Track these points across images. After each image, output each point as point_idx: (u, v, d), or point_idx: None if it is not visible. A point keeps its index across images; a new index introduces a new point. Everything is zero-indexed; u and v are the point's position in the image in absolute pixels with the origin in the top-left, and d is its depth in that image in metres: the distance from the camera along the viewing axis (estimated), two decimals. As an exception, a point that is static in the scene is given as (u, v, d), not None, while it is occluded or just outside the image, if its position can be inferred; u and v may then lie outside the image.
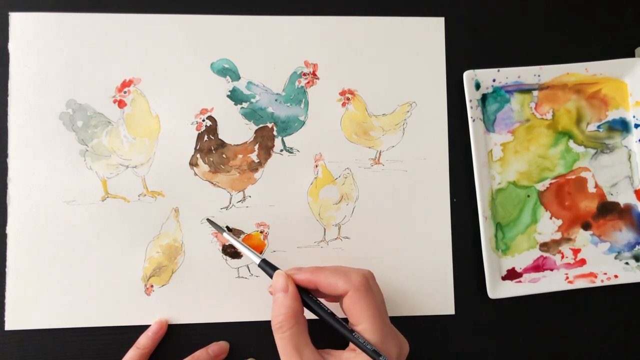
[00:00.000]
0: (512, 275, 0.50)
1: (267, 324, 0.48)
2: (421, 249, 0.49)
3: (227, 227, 0.47)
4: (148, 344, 0.46)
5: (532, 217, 0.51)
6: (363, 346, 0.36)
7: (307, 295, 0.40)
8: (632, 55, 0.52)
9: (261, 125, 0.49)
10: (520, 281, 0.50)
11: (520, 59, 0.51)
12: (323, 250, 0.49)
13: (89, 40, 0.49)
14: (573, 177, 0.51)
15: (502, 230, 0.50)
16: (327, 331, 0.39)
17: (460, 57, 0.51)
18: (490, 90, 0.51)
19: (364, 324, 0.38)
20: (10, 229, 0.47)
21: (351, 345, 0.39)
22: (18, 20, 0.48)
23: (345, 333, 0.38)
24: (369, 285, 0.39)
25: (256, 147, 0.49)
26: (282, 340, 0.38)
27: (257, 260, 0.43)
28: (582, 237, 0.51)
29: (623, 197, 0.52)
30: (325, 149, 0.50)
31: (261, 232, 0.49)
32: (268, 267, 0.42)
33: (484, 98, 0.51)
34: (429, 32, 0.51)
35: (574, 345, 0.50)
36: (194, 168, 0.49)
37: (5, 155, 0.47)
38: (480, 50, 0.52)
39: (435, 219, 0.50)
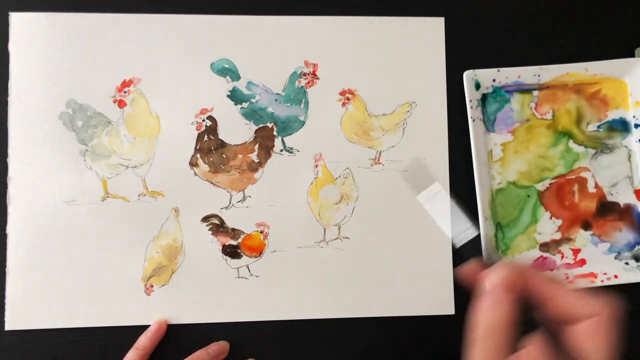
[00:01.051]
0: (512, 275, 0.50)
1: (267, 324, 0.48)
2: (421, 249, 0.49)
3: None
4: (147, 345, 0.46)
5: (532, 217, 0.51)
6: None
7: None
8: (632, 55, 0.52)
9: (261, 125, 0.49)
10: (520, 281, 0.49)
11: (520, 59, 0.51)
12: (323, 250, 0.49)
13: (89, 40, 0.49)
14: (573, 177, 0.51)
15: (502, 230, 0.50)
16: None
17: (460, 57, 0.51)
18: (490, 90, 0.51)
19: (597, 357, 0.29)
20: (10, 229, 0.47)
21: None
22: (18, 20, 0.48)
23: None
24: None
25: (256, 147, 0.49)
26: (484, 353, 0.29)
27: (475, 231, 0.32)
28: (582, 237, 0.51)
29: (623, 197, 0.52)
30: (325, 149, 0.50)
31: (261, 232, 0.49)
32: (492, 253, 0.32)
33: (484, 98, 0.51)
34: (429, 32, 0.51)
35: (574, 345, 0.50)
36: (194, 168, 0.49)
37: (5, 155, 0.47)
38: (480, 50, 0.52)
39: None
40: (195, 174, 0.49)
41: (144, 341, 0.46)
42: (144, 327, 0.47)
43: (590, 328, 0.29)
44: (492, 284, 0.30)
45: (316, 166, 0.50)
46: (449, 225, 0.50)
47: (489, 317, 0.29)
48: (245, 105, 0.49)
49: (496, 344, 0.28)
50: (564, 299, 0.29)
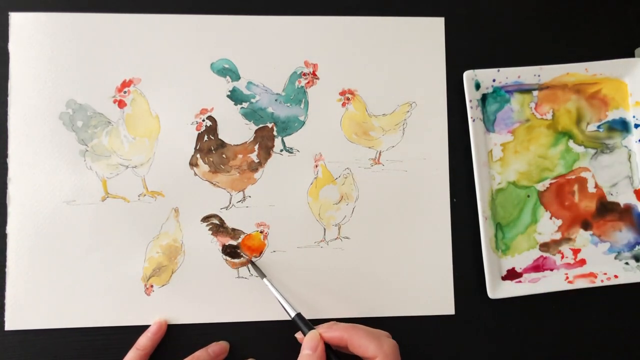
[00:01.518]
0: (512, 275, 0.50)
1: (267, 324, 0.48)
2: (421, 249, 0.49)
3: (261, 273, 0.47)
4: (147, 345, 0.46)
5: (532, 217, 0.51)
6: None
7: (332, 351, 0.41)
8: (632, 55, 0.52)
9: (261, 125, 0.49)
10: (520, 281, 0.49)
11: (520, 59, 0.51)
12: (323, 250, 0.49)
13: (88, 40, 0.49)
14: (573, 177, 0.51)
15: (502, 230, 0.50)
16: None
17: (460, 57, 0.51)
18: (490, 90, 0.51)
19: None
20: (10, 229, 0.47)
21: None
22: (18, 20, 0.48)
23: None
24: (398, 355, 0.40)
25: (256, 147, 0.49)
26: None
27: (293, 314, 0.43)
28: (582, 237, 0.51)
29: (623, 197, 0.52)
30: (325, 149, 0.50)
31: (261, 232, 0.49)
32: (302, 324, 0.43)
33: (484, 98, 0.51)
34: (429, 32, 0.51)
35: (574, 345, 0.50)
36: (194, 168, 0.49)
37: (5, 155, 0.47)
38: (480, 50, 0.52)
39: (435, 219, 0.50)
40: (195, 174, 0.49)
41: (144, 341, 0.46)
42: (144, 327, 0.47)
43: None
44: (303, 344, 0.41)
45: (316, 166, 0.50)
46: (449, 225, 0.50)
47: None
48: (245, 105, 0.49)
49: None
50: (359, 342, 0.40)
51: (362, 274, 0.49)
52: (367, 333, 0.41)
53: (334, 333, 0.41)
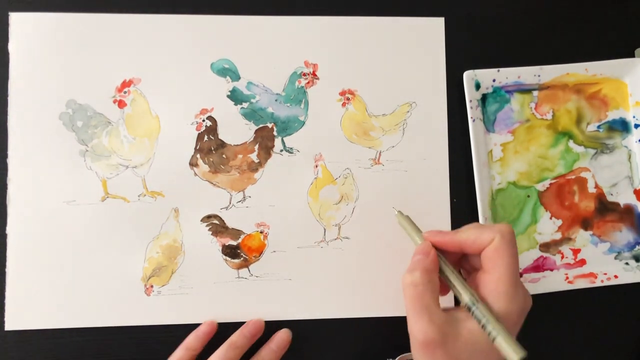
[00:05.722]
0: (512, 275, 0.50)
1: (267, 324, 0.48)
2: (421, 249, 0.49)
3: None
4: (197, 345, 0.45)
5: (532, 217, 0.51)
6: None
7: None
8: (632, 55, 0.52)
9: (261, 126, 0.49)
10: (520, 281, 0.49)
11: (520, 59, 0.51)
12: (323, 250, 0.49)
13: (89, 40, 0.49)
14: (573, 177, 0.51)
15: (502, 230, 0.50)
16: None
17: (460, 57, 0.51)
18: (490, 90, 0.51)
19: (501, 271, 0.37)
20: (10, 229, 0.47)
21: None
22: (18, 20, 0.48)
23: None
24: (513, 236, 0.38)
25: (256, 147, 0.49)
26: (412, 297, 0.37)
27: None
28: (582, 237, 0.51)
29: (623, 197, 0.52)
30: (325, 149, 0.50)
31: (261, 232, 0.49)
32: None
33: (484, 98, 0.51)
34: (429, 32, 0.51)
35: (574, 345, 0.50)
36: (194, 168, 0.49)
37: (5, 155, 0.47)
38: (480, 50, 0.52)
39: (435, 219, 0.50)
40: (195, 174, 0.49)
41: (193, 342, 0.45)
42: (144, 327, 0.47)
43: (493, 246, 0.37)
44: (420, 247, 0.41)
45: (316, 166, 0.50)
46: (449, 225, 0.50)
47: (412, 269, 0.39)
48: (245, 105, 0.49)
49: (422, 289, 0.37)
50: (471, 233, 0.39)
51: (362, 274, 0.49)
52: (476, 225, 0.40)
53: (445, 238, 0.40)
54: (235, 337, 0.45)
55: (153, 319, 0.47)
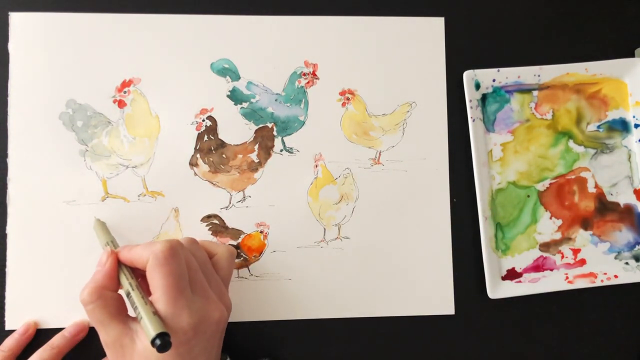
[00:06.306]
0: (512, 275, 0.50)
1: (267, 324, 0.48)
2: (421, 249, 0.49)
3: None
4: (14, 348, 0.45)
5: (532, 217, 0.51)
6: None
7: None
8: (632, 55, 0.52)
9: (261, 125, 0.49)
10: (520, 281, 0.50)
11: (520, 59, 0.51)
12: (323, 250, 0.49)
13: (89, 40, 0.49)
14: (573, 177, 0.51)
15: (502, 230, 0.50)
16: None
17: (460, 57, 0.51)
18: (490, 90, 0.51)
19: (157, 293, 0.36)
20: (10, 229, 0.47)
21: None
22: (18, 20, 0.48)
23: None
24: (173, 253, 0.37)
25: (256, 147, 0.49)
26: (87, 314, 0.38)
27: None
28: (582, 237, 0.51)
29: (623, 197, 0.52)
30: (325, 149, 0.50)
31: (261, 232, 0.49)
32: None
33: (484, 98, 0.51)
34: (429, 32, 0.51)
35: (574, 345, 0.50)
36: (194, 168, 0.49)
37: (5, 155, 0.47)
38: (480, 50, 0.52)
39: (435, 219, 0.50)
40: (195, 174, 0.49)
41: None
42: (143, 327, 0.47)
43: (148, 268, 0.37)
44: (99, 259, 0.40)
45: (316, 166, 0.50)
46: (449, 225, 0.50)
47: (84, 286, 0.39)
48: (245, 105, 0.49)
49: (92, 307, 0.38)
50: (136, 253, 0.38)
51: (362, 274, 0.49)
52: (147, 243, 0.39)
53: (122, 254, 0.39)
54: (54, 338, 0.45)
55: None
